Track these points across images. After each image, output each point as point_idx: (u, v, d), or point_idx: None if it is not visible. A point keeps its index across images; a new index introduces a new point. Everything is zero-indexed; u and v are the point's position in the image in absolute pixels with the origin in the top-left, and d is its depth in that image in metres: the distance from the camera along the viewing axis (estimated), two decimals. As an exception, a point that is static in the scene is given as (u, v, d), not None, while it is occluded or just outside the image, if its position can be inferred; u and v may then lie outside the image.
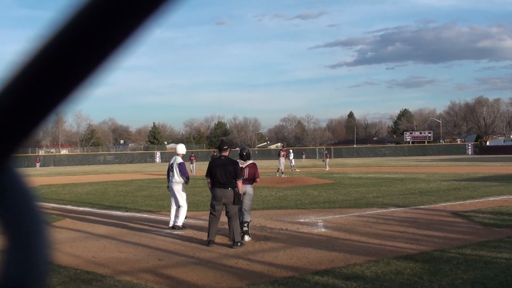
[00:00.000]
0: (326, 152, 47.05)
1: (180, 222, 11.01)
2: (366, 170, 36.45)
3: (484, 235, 9.33)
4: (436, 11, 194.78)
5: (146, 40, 0.48)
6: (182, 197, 11.23)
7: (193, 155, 40.04)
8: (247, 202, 9.68)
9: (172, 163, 11.53)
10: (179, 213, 11.06)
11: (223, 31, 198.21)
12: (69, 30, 0.46)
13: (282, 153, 33.16)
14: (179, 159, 11.55)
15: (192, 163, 37.57)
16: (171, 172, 11.50)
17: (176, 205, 11.18)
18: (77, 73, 0.48)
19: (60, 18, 0.46)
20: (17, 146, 0.51)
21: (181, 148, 11.93)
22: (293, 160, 40.75)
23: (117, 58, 0.48)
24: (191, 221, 11.66)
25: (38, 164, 68.70)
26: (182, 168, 11.38)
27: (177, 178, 11.34)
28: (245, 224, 9.58)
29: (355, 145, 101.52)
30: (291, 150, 43.25)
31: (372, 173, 31.68)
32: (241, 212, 9.60)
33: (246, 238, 9.45)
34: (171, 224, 11.09)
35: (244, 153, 10.11)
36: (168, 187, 11.70)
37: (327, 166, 40.44)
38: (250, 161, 10.16)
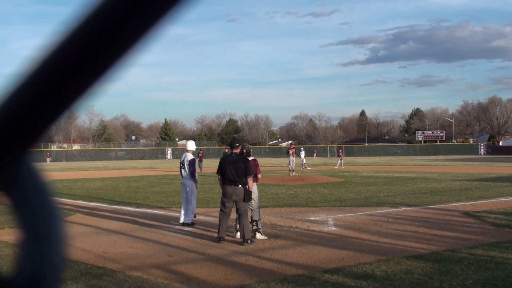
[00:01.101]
0: (340, 150, 45.81)
1: (189, 219, 11.06)
2: (378, 169, 36.29)
3: (495, 235, 9.27)
4: (450, 10, 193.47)
5: (162, 37, 0.49)
6: (193, 193, 11.29)
7: (201, 152, 39.05)
8: (252, 200, 9.66)
9: (183, 160, 11.60)
10: (189, 209, 11.12)
11: (235, 28, 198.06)
12: (87, 26, 0.47)
13: (291, 151, 33.08)
14: (190, 156, 11.60)
15: (200, 160, 35.92)
16: (182, 169, 11.58)
17: (186, 202, 11.24)
18: (95, 68, 0.48)
19: (77, 13, 0.47)
20: (34, 141, 0.52)
21: (191, 145, 11.99)
22: (304, 159, 40.65)
23: (135, 54, 0.48)
24: (201, 218, 11.70)
25: (48, 160, 69.14)
26: (191, 164, 11.42)
27: (188, 174, 11.42)
28: (254, 223, 9.58)
29: (366, 144, 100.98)
30: (302, 148, 43.09)
31: (383, 172, 31.55)
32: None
33: (258, 236, 9.44)
34: (181, 220, 11.14)
35: (245, 151, 10.04)
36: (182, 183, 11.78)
37: (342, 165, 39.90)
38: (251, 158, 10.13)
